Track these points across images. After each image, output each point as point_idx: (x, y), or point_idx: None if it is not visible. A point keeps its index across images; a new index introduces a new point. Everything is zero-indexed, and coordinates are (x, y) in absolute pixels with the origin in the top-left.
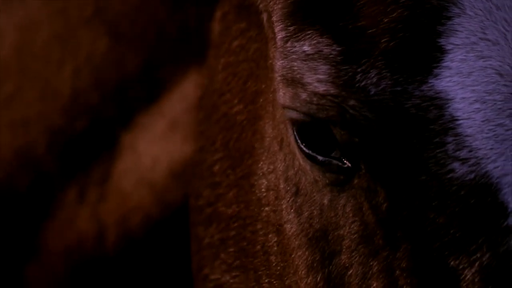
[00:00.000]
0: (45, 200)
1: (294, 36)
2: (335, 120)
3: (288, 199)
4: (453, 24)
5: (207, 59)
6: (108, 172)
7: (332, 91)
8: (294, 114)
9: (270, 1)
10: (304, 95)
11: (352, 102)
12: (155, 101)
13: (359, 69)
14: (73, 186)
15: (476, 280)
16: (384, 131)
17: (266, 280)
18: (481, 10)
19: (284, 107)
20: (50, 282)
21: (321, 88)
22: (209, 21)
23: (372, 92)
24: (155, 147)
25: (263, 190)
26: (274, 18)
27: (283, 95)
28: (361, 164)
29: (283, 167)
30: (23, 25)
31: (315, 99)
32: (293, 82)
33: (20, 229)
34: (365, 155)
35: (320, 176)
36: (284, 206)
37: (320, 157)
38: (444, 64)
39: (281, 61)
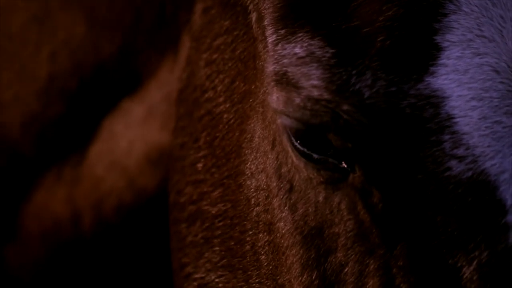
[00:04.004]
0: (22, 182)
1: (284, 38)
2: (328, 126)
3: (282, 196)
4: (449, 21)
5: (183, 49)
6: (83, 155)
7: (326, 96)
8: (287, 121)
9: (261, 5)
10: (297, 100)
11: (345, 107)
12: (133, 87)
13: (354, 71)
14: (51, 169)
15: (474, 278)
16: (378, 134)
17: (257, 280)
18: (477, 6)
19: (277, 112)
20: (28, 263)
21: (315, 93)
22: (186, 9)
23: (366, 95)
24: (131, 132)
25: (252, 190)
26: (265, 23)
27: (276, 99)
28: (356, 166)
29: (275, 165)
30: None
31: (309, 104)
32: (287, 85)
33: None
34: (360, 159)
35: (315, 174)
36: (276, 204)
37: (315, 155)
38: (441, 61)
39: (273, 66)
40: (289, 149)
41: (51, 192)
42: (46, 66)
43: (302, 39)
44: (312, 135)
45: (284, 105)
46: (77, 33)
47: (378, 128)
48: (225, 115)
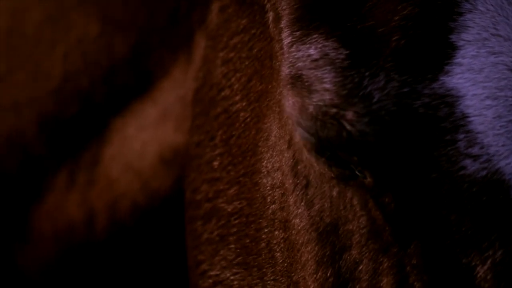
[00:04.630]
0: (35, 184)
1: (299, 40)
2: (333, 141)
3: (298, 192)
4: (465, 20)
5: (197, 49)
6: (97, 157)
7: (336, 101)
8: (300, 131)
9: (278, 5)
10: (310, 108)
11: (350, 116)
12: (146, 87)
13: (367, 73)
14: (63, 170)
15: (488, 277)
16: (383, 142)
17: (272, 277)
18: (492, 5)
19: (291, 119)
20: (40, 265)
21: (327, 97)
22: (199, 8)
23: (376, 99)
24: (145, 133)
25: (268, 188)
26: (282, 25)
27: (292, 104)
28: (365, 173)
29: (291, 163)
30: (13, 7)
31: (319, 114)
32: (302, 89)
33: (11, 213)
34: (368, 168)
35: (326, 169)
36: (292, 201)
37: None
38: (456, 60)
39: (288, 70)
40: (302, 145)
41: (64, 193)
42: (60, 65)
43: (316, 40)
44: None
45: (299, 112)
46: (91, 33)
47: (381, 136)
48: (242, 114)
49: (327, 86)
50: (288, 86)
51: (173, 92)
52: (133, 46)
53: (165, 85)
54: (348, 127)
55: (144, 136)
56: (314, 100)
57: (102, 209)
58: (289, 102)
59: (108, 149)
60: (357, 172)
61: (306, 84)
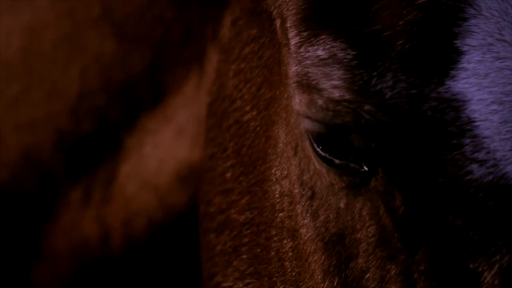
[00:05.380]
0: (50, 202)
1: (307, 41)
2: (351, 126)
3: (304, 203)
4: (469, 25)
5: (210, 64)
6: (112, 174)
7: (347, 97)
8: (309, 124)
9: (284, 7)
10: (320, 102)
11: (367, 107)
12: (160, 104)
13: (374, 73)
14: (78, 188)
15: (495, 282)
16: (400, 135)
17: (281, 287)
18: (497, 11)
19: (299, 114)
20: (55, 283)
21: (336, 94)
22: (213, 23)
23: (388, 96)
24: (160, 151)
25: (276, 196)
26: (287, 24)
27: (299, 101)
28: (378, 168)
29: (298, 171)
30: (30, 26)
31: (331, 105)
32: (309, 88)
33: (26, 230)
34: (382, 159)
35: (337, 179)
36: (299, 211)
37: (337, 161)
38: (461, 65)
39: (295, 67)
40: (311, 154)
41: (79, 210)
42: (77, 84)
43: (324, 41)
44: (333, 138)
45: (307, 107)
46: (107, 50)
47: (400, 129)
48: (252, 123)
49: (336, 82)
50: (294, 85)
51: (186, 109)
52: (149, 63)
53: (178, 102)
54: (367, 116)
55: (160, 154)
56: (325, 96)
57: (117, 226)
58: (296, 100)
59: (124, 167)
60: (368, 171)
61: (313, 82)
